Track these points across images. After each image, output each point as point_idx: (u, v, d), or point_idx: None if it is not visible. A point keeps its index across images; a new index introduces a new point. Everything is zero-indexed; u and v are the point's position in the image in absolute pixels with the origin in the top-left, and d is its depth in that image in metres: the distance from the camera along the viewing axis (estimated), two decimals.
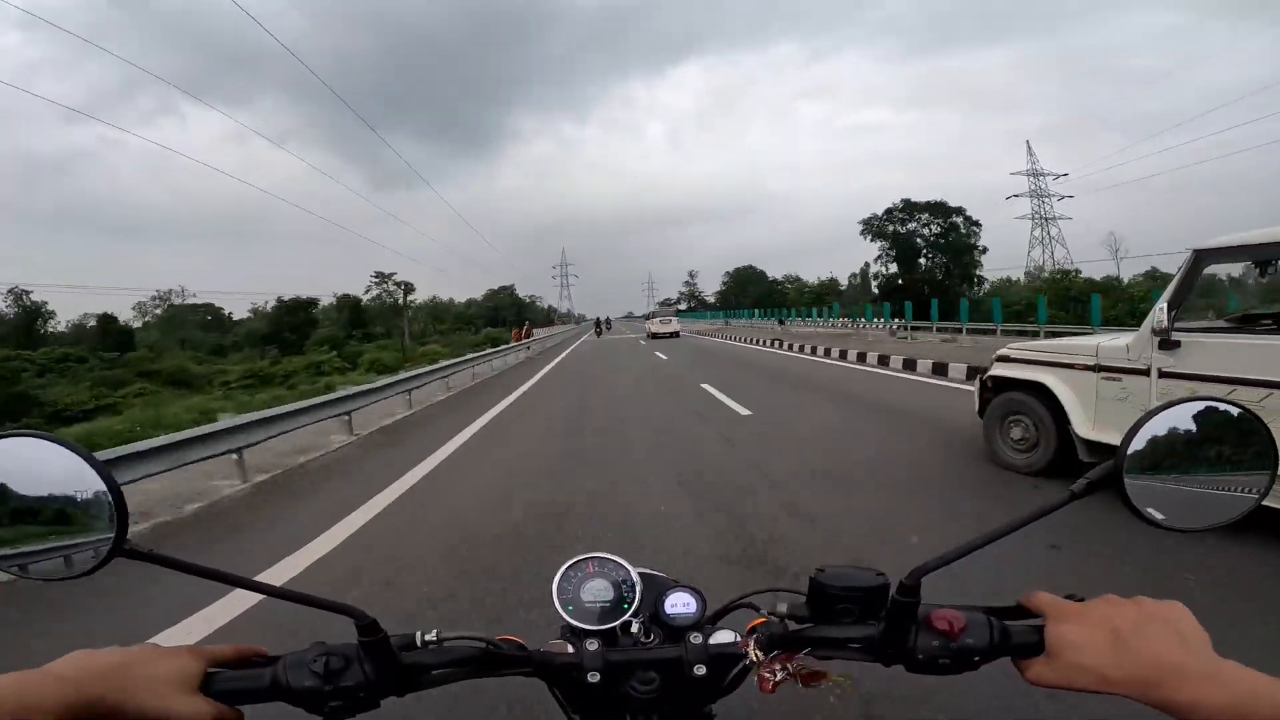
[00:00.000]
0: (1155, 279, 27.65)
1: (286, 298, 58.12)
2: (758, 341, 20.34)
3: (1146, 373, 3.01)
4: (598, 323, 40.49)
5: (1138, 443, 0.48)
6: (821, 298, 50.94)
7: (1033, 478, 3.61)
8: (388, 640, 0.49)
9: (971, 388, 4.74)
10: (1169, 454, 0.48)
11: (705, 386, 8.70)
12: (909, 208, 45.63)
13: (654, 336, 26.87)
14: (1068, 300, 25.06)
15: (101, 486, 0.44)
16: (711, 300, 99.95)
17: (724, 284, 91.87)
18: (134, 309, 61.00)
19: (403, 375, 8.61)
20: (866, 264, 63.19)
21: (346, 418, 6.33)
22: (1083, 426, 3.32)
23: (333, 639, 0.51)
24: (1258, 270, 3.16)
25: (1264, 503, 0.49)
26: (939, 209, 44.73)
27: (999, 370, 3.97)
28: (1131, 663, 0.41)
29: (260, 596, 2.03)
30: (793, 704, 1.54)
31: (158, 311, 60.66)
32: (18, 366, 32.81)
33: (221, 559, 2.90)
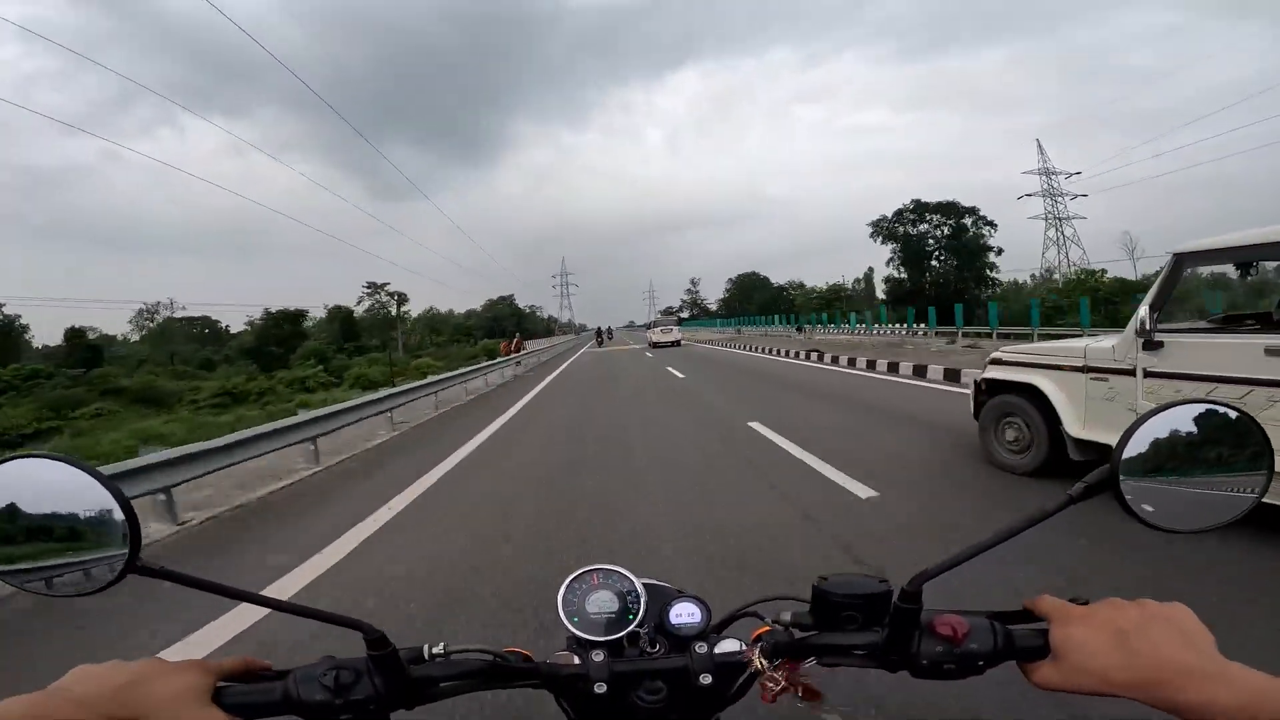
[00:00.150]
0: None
1: (274, 310, 58.68)
2: (786, 353, 17.50)
3: (1132, 373, 3.23)
4: (599, 332, 43.09)
5: (1133, 446, 0.50)
6: (830, 303, 51.32)
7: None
8: (396, 653, 0.52)
9: None
10: (1165, 456, 0.50)
11: (759, 429, 5.89)
12: (919, 208, 46.02)
13: (655, 345, 27.81)
14: (1098, 302, 25.12)
15: (114, 505, 0.47)
16: (714, 308, 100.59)
17: (727, 291, 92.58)
18: (130, 322, 61.96)
19: (365, 399, 7.62)
20: (870, 268, 63.81)
21: (311, 445, 5.79)
22: (1073, 426, 3.53)
23: (340, 653, 0.54)
24: (1239, 272, 3.40)
25: (1265, 500, 0.53)
26: (951, 209, 45.11)
27: (992, 373, 4.21)
28: (1137, 664, 0.42)
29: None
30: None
31: (152, 325, 61.44)
32: None
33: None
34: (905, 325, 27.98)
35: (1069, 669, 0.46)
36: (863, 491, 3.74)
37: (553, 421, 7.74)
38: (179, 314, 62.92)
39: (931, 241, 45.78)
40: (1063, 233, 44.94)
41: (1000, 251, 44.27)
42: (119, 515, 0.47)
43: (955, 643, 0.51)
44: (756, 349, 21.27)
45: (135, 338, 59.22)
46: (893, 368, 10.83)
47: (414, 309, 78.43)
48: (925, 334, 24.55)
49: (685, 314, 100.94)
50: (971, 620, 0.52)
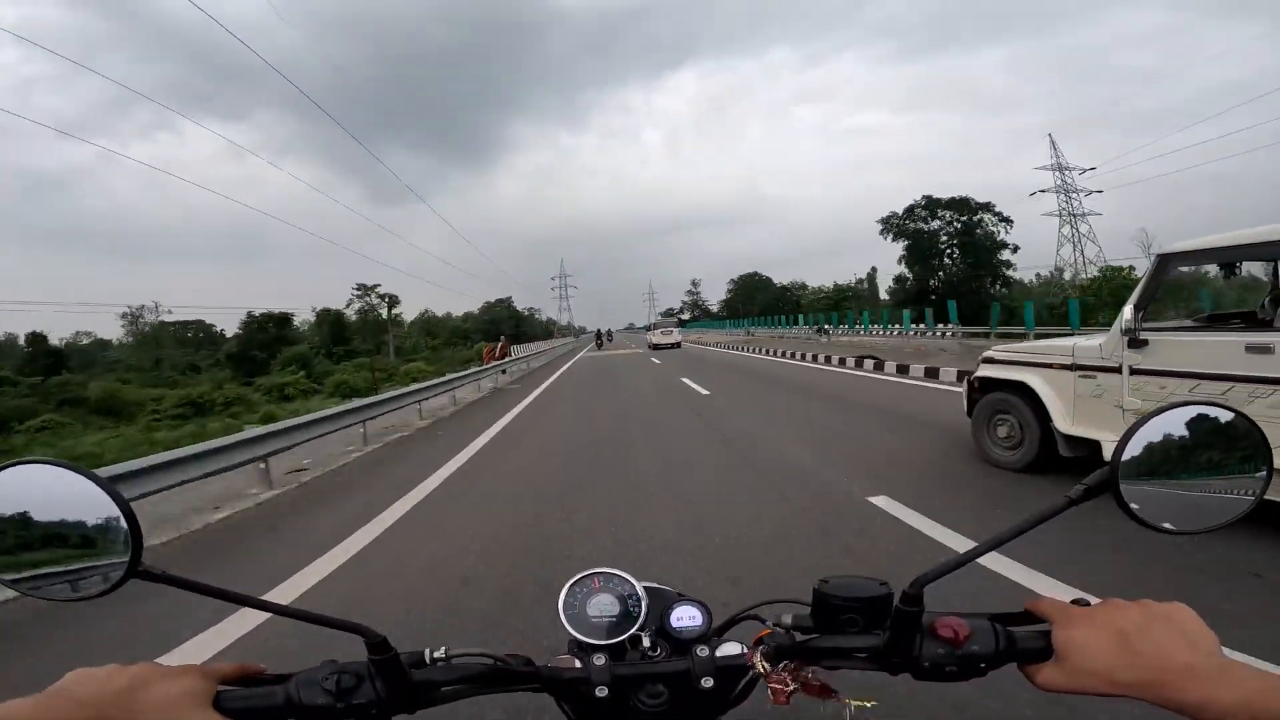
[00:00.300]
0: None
1: (258, 313, 58.58)
2: (821, 359, 14.95)
3: (1119, 370, 3.43)
4: (598, 335, 44.12)
5: (1133, 447, 0.51)
6: (839, 303, 51.57)
7: None
8: (398, 658, 0.53)
9: None
10: (1164, 458, 0.51)
11: (913, 523, 3.28)
12: (931, 205, 46.18)
13: (655, 347, 28.56)
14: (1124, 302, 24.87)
15: (116, 510, 0.48)
16: (716, 309, 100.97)
17: (729, 291, 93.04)
18: (122, 327, 61.94)
19: (317, 415, 6.55)
20: (874, 268, 64.11)
21: (263, 465, 5.20)
22: (1063, 422, 3.75)
23: (342, 658, 0.55)
24: (1222, 272, 3.61)
25: (1267, 497, 0.54)
26: (964, 206, 45.20)
27: (985, 371, 4.43)
28: (1140, 665, 0.44)
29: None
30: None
31: (147, 329, 61.50)
32: None
33: None
34: (924, 325, 28.29)
35: (1071, 670, 0.47)
36: None
37: (518, 498, 4.29)
38: (166, 317, 62.92)
39: (944, 238, 45.95)
40: (1078, 229, 45.07)
41: (1016, 249, 44.53)
42: (121, 520, 0.48)
43: (957, 645, 0.52)
44: (778, 353, 18.92)
45: (131, 341, 59.50)
46: None
47: (412, 312, 78.82)
48: (951, 335, 24.39)
49: (686, 315, 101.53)
50: (973, 622, 0.53)
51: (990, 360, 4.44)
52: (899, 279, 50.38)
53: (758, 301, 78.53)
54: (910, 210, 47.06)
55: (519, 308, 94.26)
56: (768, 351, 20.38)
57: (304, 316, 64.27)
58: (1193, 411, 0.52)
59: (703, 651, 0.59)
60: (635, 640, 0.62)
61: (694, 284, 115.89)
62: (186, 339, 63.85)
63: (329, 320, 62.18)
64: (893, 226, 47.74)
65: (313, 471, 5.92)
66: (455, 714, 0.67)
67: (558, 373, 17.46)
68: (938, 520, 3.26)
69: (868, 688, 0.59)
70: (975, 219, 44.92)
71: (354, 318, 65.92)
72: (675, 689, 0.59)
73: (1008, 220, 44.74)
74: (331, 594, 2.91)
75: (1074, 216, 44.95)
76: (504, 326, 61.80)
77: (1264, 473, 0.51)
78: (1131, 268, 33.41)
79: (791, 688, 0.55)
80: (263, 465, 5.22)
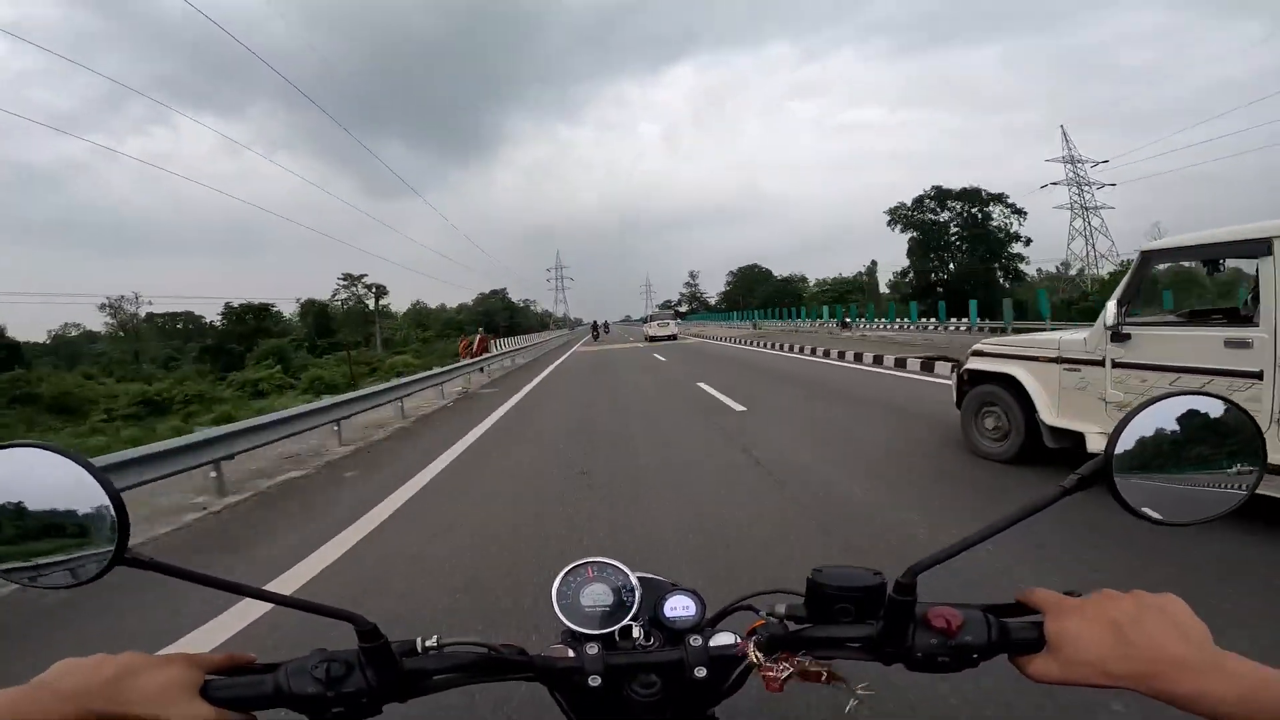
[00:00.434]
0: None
1: (237, 304, 58.51)
2: (850, 357, 12.78)
3: (1102, 363, 3.60)
4: (595, 327, 44.81)
5: (1127, 437, 0.52)
6: (843, 296, 51.73)
7: None
8: (389, 646, 0.54)
9: None
10: (1158, 448, 0.52)
11: None
12: (940, 195, 46.23)
13: (652, 339, 28.94)
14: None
15: (103, 496, 0.48)
16: (714, 301, 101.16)
17: (728, 284, 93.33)
18: (110, 319, 61.98)
19: (276, 415, 6.10)
20: (874, 261, 64.34)
21: (214, 471, 4.90)
22: (1048, 414, 3.94)
23: (333, 647, 0.56)
24: (1205, 269, 3.78)
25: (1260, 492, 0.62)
26: (974, 196, 45.23)
27: (973, 364, 4.63)
28: (1132, 656, 0.45)
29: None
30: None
31: (133, 321, 61.37)
32: None
33: None
34: (935, 320, 28.61)
35: (1064, 661, 0.48)
36: None
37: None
38: (148, 308, 63.00)
39: (954, 230, 46.03)
40: (1089, 223, 45.25)
41: (1029, 241, 44.62)
42: (108, 507, 0.48)
43: (949, 635, 0.54)
44: (797, 349, 16.39)
45: (120, 334, 59.50)
46: None
47: (405, 303, 78.73)
48: (979, 330, 24.23)
49: (684, 308, 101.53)
50: (966, 613, 0.55)
51: (979, 353, 4.63)
52: (902, 272, 50.54)
53: (758, 294, 78.86)
54: (919, 201, 47.10)
55: (515, 299, 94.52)
56: (779, 346, 18.12)
57: (292, 309, 64.41)
58: (1189, 401, 0.53)
59: (696, 641, 0.61)
60: (628, 630, 0.64)
61: (692, 276, 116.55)
62: (175, 330, 63.77)
63: (313, 311, 62.01)
64: (901, 218, 47.77)
65: None
66: (447, 704, 0.73)
67: (546, 370, 15.89)
68: None
69: (861, 678, 0.60)
70: (986, 210, 45.01)
71: (339, 309, 65.86)
72: (668, 679, 0.60)
73: (1021, 212, 44.78)
74: None
75: (1085, 209, 45.12)
76: (498, 318, 61.82)
77: (1258, 464, 0.52)
78: None
79: (786, 673, 0.56)
80: (214, 471, 4.90)
